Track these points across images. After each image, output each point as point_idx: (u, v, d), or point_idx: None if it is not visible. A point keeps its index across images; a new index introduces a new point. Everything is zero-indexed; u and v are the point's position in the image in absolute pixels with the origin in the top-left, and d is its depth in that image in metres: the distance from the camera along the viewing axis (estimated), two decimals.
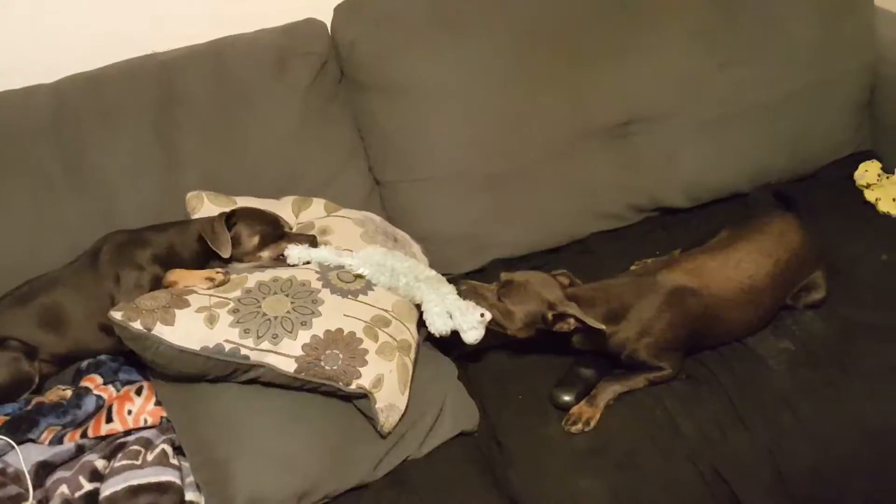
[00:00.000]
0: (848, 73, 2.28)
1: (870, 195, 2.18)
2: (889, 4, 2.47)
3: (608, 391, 1.74)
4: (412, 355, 1.76)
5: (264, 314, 1.64)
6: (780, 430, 1.66)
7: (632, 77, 2.17)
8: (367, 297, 1.75)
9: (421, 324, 1.80)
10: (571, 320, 1.71)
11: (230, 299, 1.65)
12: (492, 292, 1.78)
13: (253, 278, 1.72)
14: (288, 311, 1.65)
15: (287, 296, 1.69)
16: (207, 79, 2.03)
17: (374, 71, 2.09)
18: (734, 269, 1.81)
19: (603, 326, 1.69)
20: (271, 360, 1.61)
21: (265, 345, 1.60)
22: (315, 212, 2.01)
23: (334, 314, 1.68)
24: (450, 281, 1.87)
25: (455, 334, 1.76)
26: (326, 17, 2.17)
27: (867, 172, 2.25)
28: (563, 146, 2.16)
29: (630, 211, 2.26)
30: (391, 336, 1.72)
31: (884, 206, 2.15)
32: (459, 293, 1.79)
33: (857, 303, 1.90)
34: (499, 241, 2.18)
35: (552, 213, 2.19)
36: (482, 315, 1.74)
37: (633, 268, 2.10)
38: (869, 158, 2.31)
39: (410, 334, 1.77)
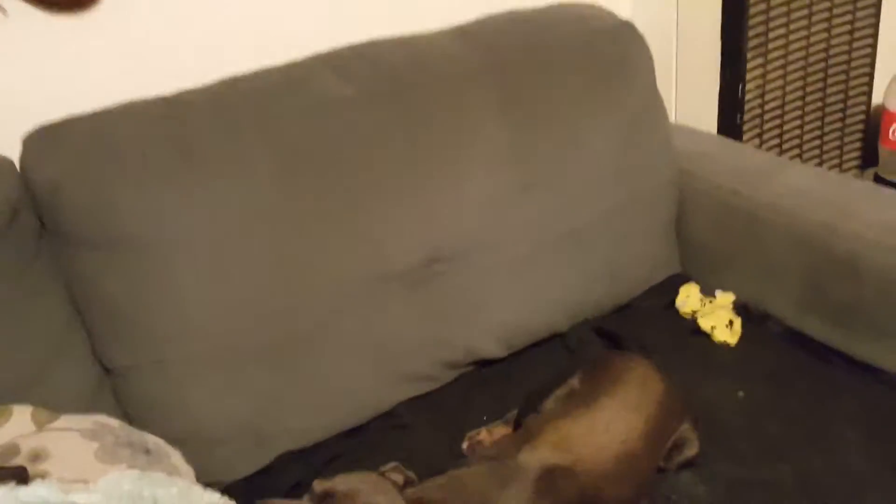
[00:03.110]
0: (653, 189, 2.17)
1: (704, 324, 2.03)
2: (687, 120, 2.47)
3: None
4: None
5: None
6: None
7: (430, 209, 1.88)
8: None
9: None
10: None
11: None
12: None
13: None
14: None
15: None
16: None
17: (90, 220, 1.60)
18: (604, 433, 1.53)
19: None
20: None
21: None
22: (18, 426, 1.43)
23: None
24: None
25: None
26: (12, 151, 1.67)
27: (689, 298, 2.12)
28: (355, 297, 1.80)
29: (442, 368, 1.94)
30: None
31: (720, 336, 2.01)
32: None
33: (731, 455, 1.67)
34: (285, 429, 1.74)
35: (350, 383, 1.81)
36: None
37: (465, 444, 1.76)
38: (683, 282, 2.19)
39: None
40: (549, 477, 1.44)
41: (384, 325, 1.83)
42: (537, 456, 1.46)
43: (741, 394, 1.84)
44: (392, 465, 1.48)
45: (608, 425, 1.54)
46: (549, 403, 1.67)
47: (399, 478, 1.45)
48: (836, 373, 1.87)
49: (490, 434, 1.78)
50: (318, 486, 1.38)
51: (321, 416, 1.79)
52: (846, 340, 1.90)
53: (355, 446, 1.78)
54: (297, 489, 1.65)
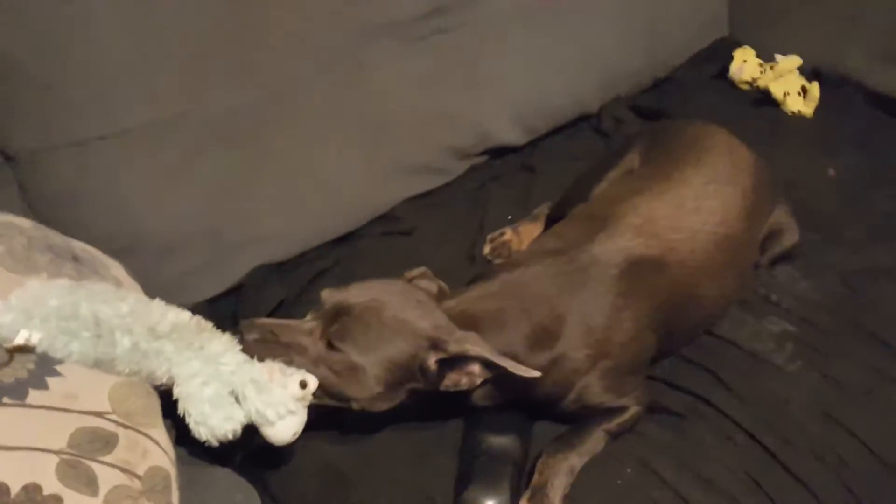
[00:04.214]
0: None
1: (776, 90, 1.69)
2: None
3: (560, 473, 1.04)
4: (174, 495, 0.91)
5: None
6: (846, 467, 1.09)
7: None
8: (51, 393, 0.89)
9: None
10: (476, 367, 1.00)
11: None
12: (311, 335, 1.02)
13: None
14: None
15: None
16: None
17: None
18: (696, 213, 1.20)
19: (537, 373, 0.99)
20: None
21: None
22: None
23: None
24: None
25: (247, 429, 1.00)
26: None
27: (746, 64, 1.77)
28: (338, 54, 1.42)
29: (449, 157, 1.60)
30: (125, 467, 0.87)
31: (793, 104, 1.68)
32: (245, 349, 1.01)
33: (836, 243, 1.40)
34: (256, 235, 1.39)
35: (335, 173, 1.46)
36: (303, 385, 0.98)
37: (486, 249, 1.43)
38: (734, 46, 1.84)
39: (162, 450, 0.94)
40: (638, 271, 1.12)
41: (376, 93, 1.46)
42: (618, 245, 1.13)
43: (831, 171, 1.54)
44: (420, 269, 1.15)
45: (699, 202, 1.21)
46: (603, 188, 1.33)
47: (432, 286, 1.11)
48: None
49: (518, 235, 1.45)
50: (329, 297, 1.04)
51: (300, 219, 1.43)
52: None
53: (348, 258, 1.44)
54: (283, 310, 1.31)
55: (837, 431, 1.12)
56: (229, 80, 1.32)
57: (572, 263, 1.11)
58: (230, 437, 0.96)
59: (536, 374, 0.99)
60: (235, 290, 1.36)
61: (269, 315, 1.28)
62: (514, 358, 1.01)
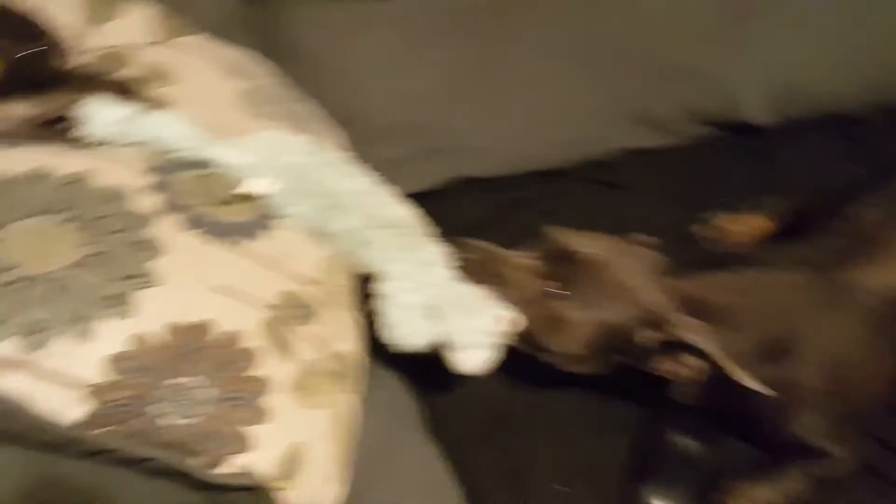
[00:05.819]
0: None
1: None
2: None
3: None
4: (363, 384, 0.88)
5: (15, 279, 0.69)
6: None
7: None
8: (267, 244, 0.86)
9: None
10: (694, 360, 0.91)
11: None
12: (528, 273, 0.94)
13: None
14: (73, 267, 0.71)
15: (76, 226, 0.74)
16: None
17: None
18: None
19: (769, 390, 0.89)
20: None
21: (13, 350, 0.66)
22: (134, 27, 1.01)
23: (189, 284, 0.78)
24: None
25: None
26: None
27: None
28: None
29: (684, 117, 1.46)
30: (322, 342, 0.84)
31: None
32: (461, 266, 0.94)
33: None
34: (466, 145, 1.33)
35: (563, 100, 1.35)
36: (507, 321, 0.91)
37: (703, 230, 1.31)
38: None
39: (358, 336, 0.90)
40: None
41: (631, 27, 1.35)
42: (884, 280, 1.01)
43: None
44: (650, 239, 1.04)
45: None
46: (869, 211, 1.19)
47: (659, 259, 1.01)
48: None
49: (739, 224, 1.33)
50: (556, 237, 0.95)
51: (515, 139, 1.34)
52: None
53: (553, 195, 1.35)
54: (479, 230, 1.23)
55: None
56: None
57: (825, 282, 1.01)
58: (412, 350, 0.90)
59: (768, 391, 0.89)
60: (439, 194, 1.29)
61: (476, 227, 1.21)
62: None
